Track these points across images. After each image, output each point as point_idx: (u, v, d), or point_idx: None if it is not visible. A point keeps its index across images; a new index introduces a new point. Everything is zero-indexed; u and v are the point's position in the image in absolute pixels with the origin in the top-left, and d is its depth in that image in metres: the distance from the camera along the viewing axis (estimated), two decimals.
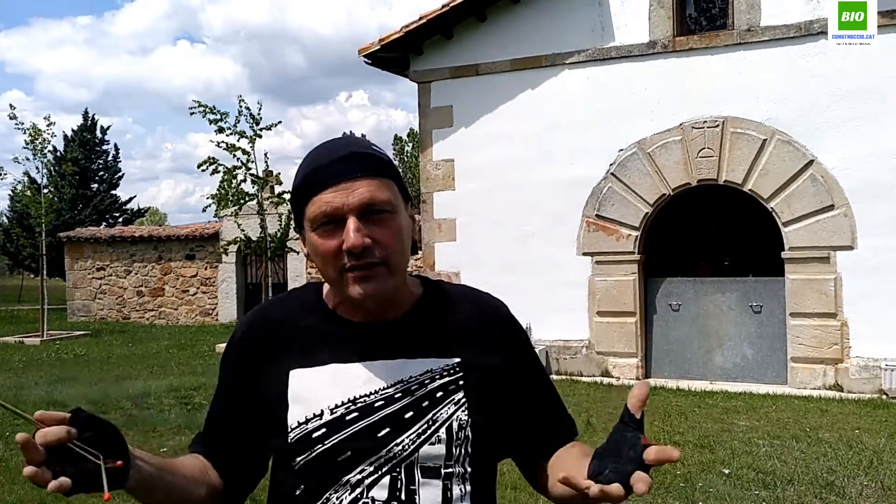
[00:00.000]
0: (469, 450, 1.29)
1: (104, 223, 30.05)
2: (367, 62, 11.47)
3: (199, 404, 8.49)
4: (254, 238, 14.27)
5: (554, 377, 10.17)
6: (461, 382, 1.31)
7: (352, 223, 1.21)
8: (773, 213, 9.51)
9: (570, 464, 1.27)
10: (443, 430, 1.27)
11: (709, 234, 11.80)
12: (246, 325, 1.42)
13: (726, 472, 5.80)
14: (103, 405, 8.46)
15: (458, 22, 10.93)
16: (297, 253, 16.34)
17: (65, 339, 15.63)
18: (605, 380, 10.05)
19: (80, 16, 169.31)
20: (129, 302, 19.90)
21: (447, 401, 1.29)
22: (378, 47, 11.06)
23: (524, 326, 1.48)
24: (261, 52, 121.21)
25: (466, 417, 1.29)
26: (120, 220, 32.36)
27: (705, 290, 10.16)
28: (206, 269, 19.18)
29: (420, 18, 10.78)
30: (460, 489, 1.28)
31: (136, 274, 19.84)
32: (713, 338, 10.07)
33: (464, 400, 1.30)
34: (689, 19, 10.25)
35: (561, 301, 10.22)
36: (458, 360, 1.32)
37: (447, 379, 1.31)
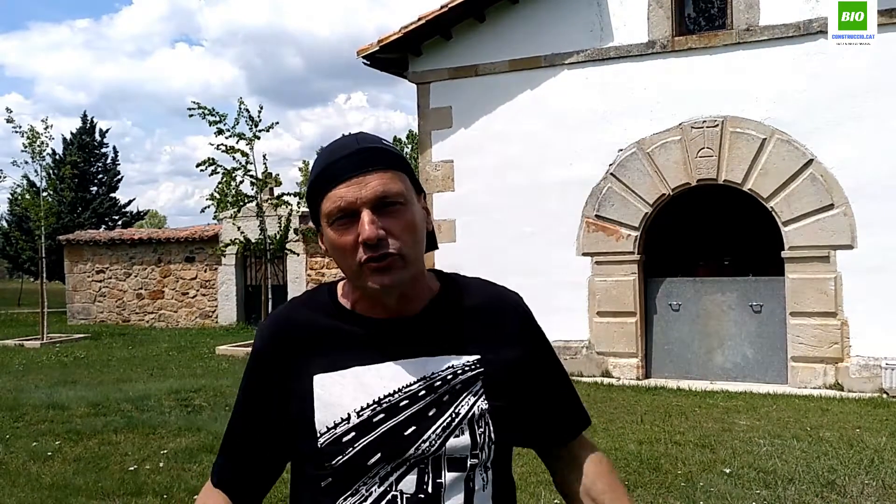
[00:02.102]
0: (492, 437, 1.32)
1: (103, 226, 30.04)
2: (365, 63, 11.46)
3: (199, 406, 8.48)
4: (253, 240, 14.27)
5: None
6: (480, 376, 1.34)
7: (366, 216, 1.24)
8: (773, 213, 9.51)
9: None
10: (465, 422, 1.30)
11: (708, 233, 11.79)
12: (267, 333, 1.42)
13: (727, 471, 5.79)
14: (103, 407, 8.45)
15: (457, 23, 10.93)
16: (297, 255, 16.33)
17: (64, 343, 15.62)
18: (606, 380, 10.05)
19: (78, 19, 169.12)
20: (129, 304, 19.89)
21: (466, 392, 1.32)
22: (377, 48, 11.06)
23: None
24: (258, 55, 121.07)
25: (486, 405, 1.32)
26: (119, 222, 32.35)
27: (705, 290, 10.15)
28: (205, 271, 19.17)
29: (419, 19, 10.77)
30: (482, 478, 1.32)
31: (136, 276, 19.84)
32: (713, 338, 10.06)
33: (482, 390, 1.33)
34: (688, 19, 10.25)
35: (561, 301, 10.20)
36: (477, 357, 1.35)
37: (468, 374, 1.33)
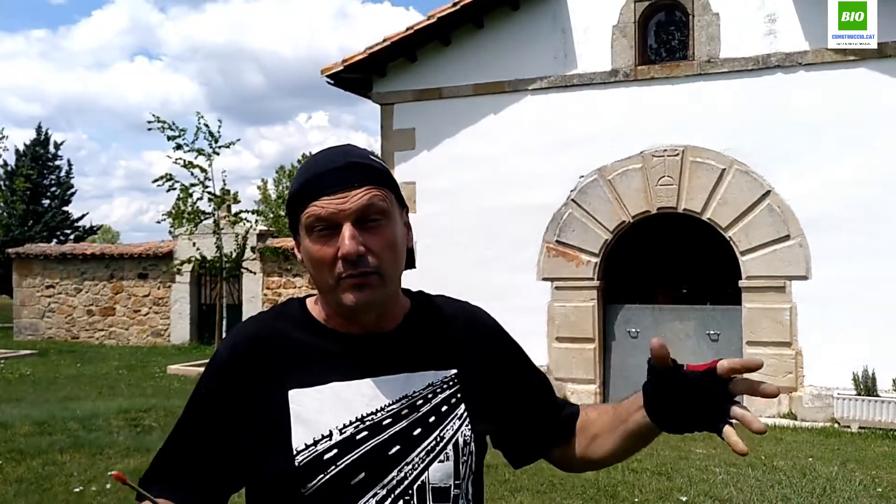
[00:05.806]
0: (473, 467, 1.32)
1: (55, 240, 29.42)
2: (329, 82, 11.42)
3: (149, 426, 8.27)
4: (209, 258, 14.05)
5: None
6: (460, 395, 1.33)
7: (347, 230, 1.22)
8: (731, 242, 9.62)
9: (607, 420, 1.40)
10: (450, 446, 1.28)
11: (668, 261, 11.89)
12: (232, 344, 1.34)
13: (683, 499, 5.78)
14: (49, 426, 8.19)
15: (422, 45, 10.95)
16: (254, 273, 16.13)
17: (10, 359, 15.15)
18: None
19: (34, 29, 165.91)
20: (79, 321, 19.43)
21: (451, 416, 1.31)
22: (341, 68, 11.03)
23: None
24: (219, 71, 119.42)
25: (470, 433, 1.31)
26: (71, 237, 31.68)
27: (664, 318, 10.21)
28: (158, 288, 18.82)
29: (384, 40, 10.78)
30: None
31: (87, 292, 19.39)
32: None
33: (466, 414, 1.32)
34: (651, 49, 10.38)
35: (520, 326, 9.99)
36: (454, 371, 1.35)
37: (448, 392, 1.32)
